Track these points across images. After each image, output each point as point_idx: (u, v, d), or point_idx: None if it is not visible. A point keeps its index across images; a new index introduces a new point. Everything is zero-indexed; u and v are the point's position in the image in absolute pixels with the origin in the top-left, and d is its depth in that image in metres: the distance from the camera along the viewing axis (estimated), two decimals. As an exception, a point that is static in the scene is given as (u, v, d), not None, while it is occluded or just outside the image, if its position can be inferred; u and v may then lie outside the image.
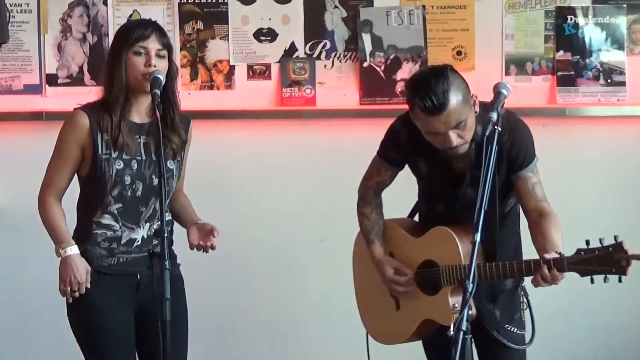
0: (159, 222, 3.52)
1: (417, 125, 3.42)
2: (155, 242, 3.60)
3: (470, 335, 2.99)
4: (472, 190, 3.47)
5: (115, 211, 3.58)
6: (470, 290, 2.99)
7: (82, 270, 3.54)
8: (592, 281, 3.25)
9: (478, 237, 3.08)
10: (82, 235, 3.62)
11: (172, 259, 3.69)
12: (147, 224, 3.62)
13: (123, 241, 3.60)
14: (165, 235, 3.37)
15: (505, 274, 3.39)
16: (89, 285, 3.55)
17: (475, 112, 3.39)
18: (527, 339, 3.68)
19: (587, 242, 3.22)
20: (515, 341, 3.62)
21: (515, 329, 3.63)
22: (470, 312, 3.08)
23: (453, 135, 3.33)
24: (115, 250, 3.60)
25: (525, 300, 3.70)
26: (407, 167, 3.75)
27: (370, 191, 3.79)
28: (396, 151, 3.68)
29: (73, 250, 3.56)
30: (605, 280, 3.22)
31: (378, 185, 3.78)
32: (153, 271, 3.57)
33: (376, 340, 3.85)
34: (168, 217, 3.70)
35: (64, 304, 3.63)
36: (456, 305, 3.35)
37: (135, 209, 3.60)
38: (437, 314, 3.53)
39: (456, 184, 3.55)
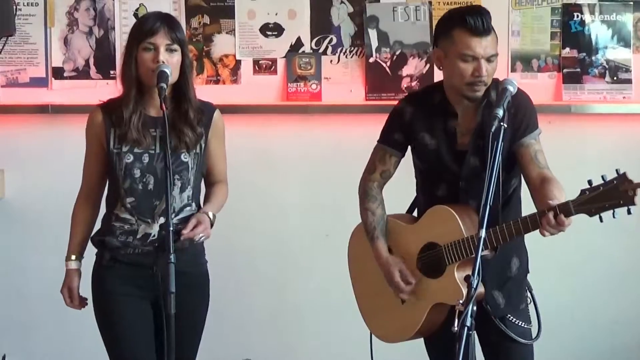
0: (180, 217, 3.60)
1: (449, 52, 3.45)
2: (174, 237, 3.59)
3: (475, 332, 2.98)
4: (475, 159, 3.49)
5: (129, 205, 3.62)
6: (474, 285, 2.99)
7: (64, 289, 3.73)
8: (600, 219, 3.18)
9: (483, 232, 3.08)
10: (104, 226, 3.71)
11: (197, 254, 3.75)
12: (162, 218, 3.62)
13: (139, 235, 3.62)
14: (171, 229, 3.37)
15: (518, 230, 3.33)
16: (70, 305, 3.73)
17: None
18: (534, 334, 3.66)
19: (590, 182, 3.18)
20: (523, 335, 3.61)
21: (523, 323, 3.62)
22: (478, 291, 3.12)
23: (485, 64, 3.41)
24: (130, 244, 3.63)
25: (529, 294, 3.69)
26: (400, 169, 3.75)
27: (374, 185, 3.77)
28: (400, 132, 3.67)
29: (71, 265, 3.74)
30: (614, 215, 3.15)
31: (382, 176, 3.76)
32: (160, 265, 3.55)
33: (383, 340, 3.81)
34: (192, 211, 3.69)
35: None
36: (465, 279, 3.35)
37: (149, 202, 3.61)
38: (447, 295, 3.48)
39: (460, 158, 3.55)
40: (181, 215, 3.64)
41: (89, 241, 3.76)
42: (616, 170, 3.15)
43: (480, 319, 3.44)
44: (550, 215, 3.21)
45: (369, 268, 3.77)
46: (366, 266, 3.79)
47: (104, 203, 3.76)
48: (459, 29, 3.43)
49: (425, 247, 3.60)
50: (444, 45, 3.50)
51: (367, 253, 3.77)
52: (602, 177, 3.16)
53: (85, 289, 3.74)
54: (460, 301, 3.02)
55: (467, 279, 3.03)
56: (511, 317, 3.60)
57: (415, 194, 3.84)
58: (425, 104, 3.63)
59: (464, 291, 3.38)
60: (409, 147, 3.72)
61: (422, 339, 3.77)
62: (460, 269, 3.47)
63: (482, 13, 3.44)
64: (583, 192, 3.20)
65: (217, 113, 3.78)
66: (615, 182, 3.14)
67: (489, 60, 3.42)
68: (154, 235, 3.62)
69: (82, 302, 3.75)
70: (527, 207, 3.53)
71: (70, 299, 3.73)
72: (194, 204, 3.70)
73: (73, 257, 3.72)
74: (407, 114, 3.65)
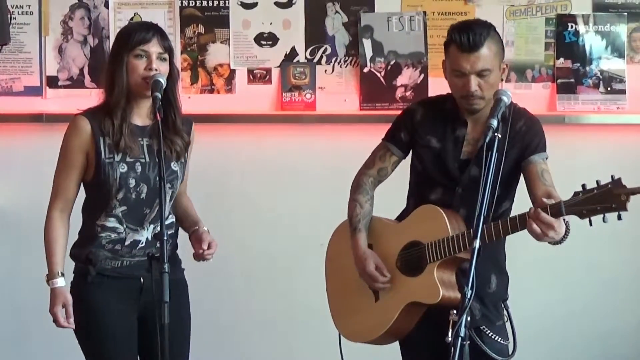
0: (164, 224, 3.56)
1: (447, 66, 3.51)
2: (159, 244, 3.59)
3: (468, 342, 2.97)
4: (476, 169, 3.48)
5: (120, 214, 3.59)
6: (469, 296, 2.98)
7: (57, 308, 3.57)
8: (590, 223, 3.18)
9: (477, 243, 3.08)
10: (87, 238, 3.63)
11: (176, 263, 3.72)
12: (152, 226, 3.61)
13: (127, 242, 3.60)
14: (165, 238, 3.35)
15: (506, 230, 3.33)
16: (64, 324, 3.58)
17: (502, 80, 3.54)
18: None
19: (584, 186, 3.20)
20: (500, 352, 3.58)
21: (500, 339, 3.59)
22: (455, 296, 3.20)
23: (474, 80, 3.43)
24: (119, 252, 3.60)
25: (506, 312, 3.67)
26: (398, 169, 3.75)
27: (369, 180, 3.76)
28: (406, 132, 3.68)
29: (59, 283, 3.59)
30: (604, 219, 3.16)
31: (379, 173, 3.76)
32: (152, 275, 3.56)
33: (350, 339, 3.78)
34: (172, 219, 3.71)
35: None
36: (444, 280, 3.41)
37: (140, 211, 3.60)
38: (423, 294, 3.46)
39: (463, 166, 3.55)
40: (166, 222, 3.62)
41: (67, 256, 3.65)
42: (611, 176, 3.16)
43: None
44: (540, 211, 3.22)
45: (345, 267, 3.75)
46: (342, 265, 3.78)
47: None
48: (452, 44, 3.48)
49: (407, 246, 3.59)
50: (445, 59, 3.56)
51: (344, 252, 3.76)
52: (597, 181, 3.17)
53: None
54: (454, 312, 3.01)
55: (461, 289, 3.02)
56: (487, 330, 3.58)
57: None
58: (438, 109, 3.66)
59: (442, 291, 3.42)
60: (411, 152, 3.73)
61: (398, 348, 3.75)
62: (440, 268, 3.47)
63: (473, 29, 3.45)
64: (576, 193, 3.21)
65: (193, 126, 3.79)
66: (609, 186, 3.15)
67: (480, 75, 3.43)
68: (143, 243, 3.61)
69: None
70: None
71: (67, 317, 3.59)
72: (172, 212, 3.72)
73: (59, 273, 3.59)
74: (417, 115, 3.68)
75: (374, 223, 3.74)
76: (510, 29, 5.06)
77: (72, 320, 3.59)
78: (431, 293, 3.43)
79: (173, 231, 3.71)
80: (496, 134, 3.24)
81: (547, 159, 3.55)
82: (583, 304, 5.07)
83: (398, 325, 3.58)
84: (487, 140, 3.22)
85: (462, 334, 2.93)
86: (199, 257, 3.63)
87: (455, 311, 3.01)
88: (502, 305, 3.67)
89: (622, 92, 5.04)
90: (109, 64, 3.63)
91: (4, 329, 5.16)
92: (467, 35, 3.42)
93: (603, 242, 4.88)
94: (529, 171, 3.50)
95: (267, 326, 5.17)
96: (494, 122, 3.26)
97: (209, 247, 3.60)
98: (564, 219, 3.27)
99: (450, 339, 2.94)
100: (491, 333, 3.58)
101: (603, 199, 3.15)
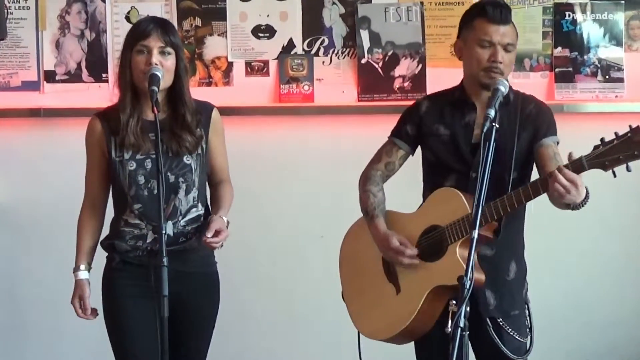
0: (187, 219, 3.62)
1: (469, 40, 3.58)
2: (182, 239, 3.60)
3: (468, 332, 2.96)
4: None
5: (137, 211, 3.62)
6: (468, 287, 2.97)
7: (75, 300, 3.67)
8: (614, 174, 3.18)
9: (476, 233, 3.06)
10: (113, 231, 3.71)
11: (206, 255, 3.73)
12: (170, 222, 3.61)
13: (148, 240, 3.63)
14: (164, 232, 3.36)
15: (527, 196, 3.31)
16: (82, 315, 3.68)
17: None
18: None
19: (602, 139, 3.20)
20: (517, 351, 3.57)
21: (518, 335, 3.57)
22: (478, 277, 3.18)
23: (501, 52, 3.51)
24: (140, 247, 3.64)
25: (527, 308, 3.65)
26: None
27: (377, 173, 3.76)
28: (412, 124, 3.69)
29: (80, 275, 3.69)
30: (628, 168, 3.15)
31: (387, 167, 3.76)
32: (168, 268, 3.51)
33: (372, 337, 3.71)
34: (198, 212, 3.68)
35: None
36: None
37: (156, 207, 3.56)
38: (447, 276, 3.35)
39: (475, 150, 3.55)
40: (188, 217, 3.65)
41: (99, 246, 3.75)
42: (629, 125, 3.16)
43: (474, 325, 3.44)
44: (562, 167, 3.21)
45: (362, 266, 3.75)
46: (358, 264, 3.77)
47: (109, 209, 3.75)
48: (479, 17, 3.56)
49: (425, 232, 3.56)
50: (465, 35, 3.62)
51: (360, 251, 3.75)
52: (615, 133, 3.18)
53: (95, 297, 3.73)
54: (454, 302, 3.00)
55: (460, 279, 3.01)
56: (504, 324, 3.56)
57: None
58: (444, 99, 3.69)
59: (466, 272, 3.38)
60: (420, 147, 3.73)
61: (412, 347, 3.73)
62: (462, 248, 3.41)
63: (502, 4, 3.59)
64: (596, 147, 3.22)
65: (215, 112, 3.77)
66: (629, 134, 3.15)
67: (506, 49, 3.52)
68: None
69: (94, 312, 3.71)
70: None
71: (83, 309, 3.68)
72: (200, 205, 3.70)
73: (82, 267, 3.69)
74: (422, 107, 3.71)
75: (389, 215, 3.72)
76: (508, 18, 5.05)
77: (89, 312, 3.68)
78: (455, 272, 3.29)
79: (199, 224, 3.69)
80: (494, 124, 3.23)
81: (558, 143, 3.57)
82: (580, 294, 5.08)
83: (422, 316, 3.49)
84: (485, 130, 3.21)
85: (461, 325, 2.91)
86: (205, 243, 3.58)
87: (454, 301, 3.01)
88: (523, 297, 3.65)
89: (620, 80, 5.03)
90: (119, 62, 3.70)
91: (2, 325, 5.15)
92: (499, 9, 3.53)
93: (598, 231, 4.90)
94: (541, 153, 3.52)
95: (266, 319, 5.17)
96: (492, 112, 3.25)
97: (215, 235, 3.55)
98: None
99: (449, 329, 2.94)
100: (509, 329, 3.56)
101: (624, 148, 3.15)
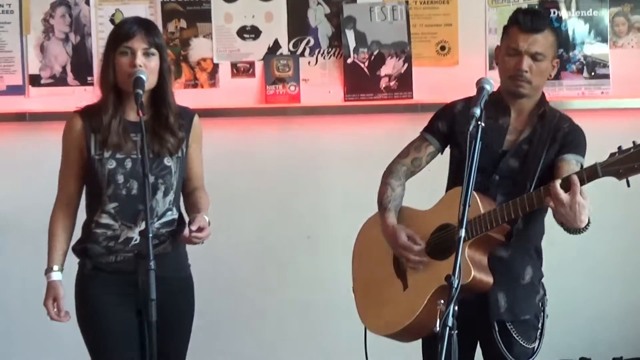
0: (162, 222, 3.60)
1: (502, 48, 3.60)
2: (155, 241, 3.57)
3: (456, 332, 2.94)
4: (514, 161, 3.53)
5: (112, 210, 3.59)
6: (456, 286, 2.96)
7: (49, 302, 3.63)
8: (628, 184, 3.18)
9: (463, 232, 3.04)
10: (85, 234, 3.68)
11: (179, 260, 3.73)
12: (144, 223, 3.60)
13: (121, 239, 3.60)
14: (150, 235, 3.34)
15: (531, 204, 3.33)
16: (55, 317, 3.64)
17: (550, 76, 3.64)
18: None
19: (620, 147, 3.20)
20: (519, 356, 3.57)
21: (524, 341, 3.57)
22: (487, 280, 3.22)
23: (527, 61, 3.51)
24: (113, 249, 3.61)
25: (541, 315, 3.65)
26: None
27: (402, 168, 3.76)
28: (445, 122, 3.70)
29: (53, 276, 3.64)
30: None
31: (413, 163, 3.75)
32: (139, 272, 3.53)
33: (378, 332, 3.71)
34: (173, 215, 3.68)
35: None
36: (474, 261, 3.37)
37: (133, 207, 3.59)
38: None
39: (502, 155, 3.56)
40: (163, 220, 3.63)
41: (70, 251, 3.71)
42: None
43: (483, 327, 3.44)
44: (575, 179, 3.22)
45: (372, 261, 3.74)
46: (369, 259, 3.77)
47: (81, 211, 3.73)
48: (514, 25, 3.57)
49: (437, 229, 3.56)
50: (501, 42, 3.64)
51: (372, 246, 3.74)
52: (633, 142, 3.18)
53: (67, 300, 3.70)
54: (442, 301, 3.00)
55: (448, 278, 3.00)
56: (512, 328, 3.56)
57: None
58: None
59: (473, 272, 3.38)
60: (449, 147, 3.73)
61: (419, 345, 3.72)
62: (472, 248, 3.43)
63: (537, 13, 3.65)
64: (612, 154, 3.22)
65: (196, 118, 3.77)
66: None
67: (534, 57, 3.52)
68: (136, 240, 3.61)
69: (67, 315, 3.67)
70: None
71: (57, 311, 3.64)
72: (174, 209, 3.69)
73: (55, 268, 3.64)
74: (457, 107, 3.71)
75: (404, 211, 3.72)
76: (493, 16, 5.06)
77: (63, 313, 3.64)
78: (462, 274, 3.23)
79: (173, 228, 3.68)
80: (480, 122, 3.21)
81: (582, 166, 3.51)
82: (568, 291, 5.08)
83: (426, 314, 3.46)
84: (471, 129, 3.19)
85: (450, 324, 2.90)
86: (185, 239, 3.57)
87: (442, 301, 3.00)
88: (536, 302, 3.65)
89: (606, 76, 5.04)
90: (101, 62, 3.67)
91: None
92: (531, 17, 3.54)
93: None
94: (559, 167, 3.50)
95: (253, 318, 5.16)
96: (477, 111, 3.22)
97: (198, 230, 3.55)
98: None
99: (437, 329, 2.92)
100: (516, 333, 3.56)
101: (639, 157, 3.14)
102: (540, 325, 3.65)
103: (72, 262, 3.71)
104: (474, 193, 3.45)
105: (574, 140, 3.56)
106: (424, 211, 3.68)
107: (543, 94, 3.66)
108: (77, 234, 3.73)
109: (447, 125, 3.71)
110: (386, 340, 3.74)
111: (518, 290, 3.59)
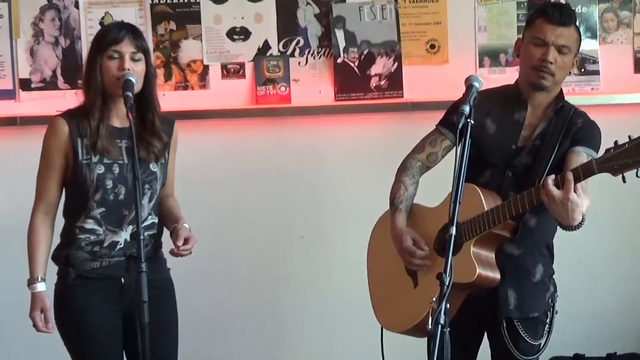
0: (143, 226, 3.54)
1: (525, 39, 3.59)
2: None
3: (449, 329, 2.94)
4: (528, 157, 3.53)
5: (98, 215, 3.59)
6: (447, 283, 2.96)
7: (36, 313, 3.58)
8: (623, 180, 3.17)
9: (454, 230, 3.04)
10: (67, 240, 3.64)
11: (159, 263, 3.73)
12: (130, 227, 3.60)
13: (105, 244, 3.60)
14: (142, 237, 3.34)
15: (531, 200, 3.33)
16: (43, 329, 3.59)
17: (570, 72, 3.64)
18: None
19: (616, 142, 3.19)
20: (525, 352, 3.58)
21: (530, 338, 3.58)
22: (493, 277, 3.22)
23: (553, 52, 3.51)
24: (97, 253, 3.60)
25: (550, 314, 3.66)
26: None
27: (417, 163, 3.75)
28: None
29: (39, 287, 3.59)
30: (637, 174, 3.13)
31: (428, 158, 3.75)
32: (131, 275, 3.54)
33: (389, 329, 3.73)
34: (153, 220, 3.69)
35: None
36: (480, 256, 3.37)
37: (118, 212, 3.59)
38: (459, 274, 3.21)
39: (517, 151, 3.56)
40: (145, 224, 3.62)
41: (49, 260, 3.66)
42: None
43: (491, 323, 3.45)
44: (570, 175, 3.21)
45: (385, 257, 3.74)
46: (383, 255, 3.77)
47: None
48: (540, 17, 3.56)
49: (444, 227, 3.55)
50: (525, 34, 3.62)
51: (385, 242, 3.73)
52: (629, 136, 3.17)
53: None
54: (433, 299, 3.00)
55: (439, 276, 3.00)
56: (519, 325, 3.57)
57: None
58: (495, 95, 3.67)
59: (478, 269, 3.40)
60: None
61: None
62: (477, 246, 3.44)
63: (564, 7, 3.63)
64: (608, 150, 3.21)
65: (176, 125, 3.79)
66: None
67: (560, 50, 3.52)
68: (121, 244, 3.61)
69: (53, 326, 3.64)
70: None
71: (45, 322, 3.60)
72: (154, 213, 3.70)
73: (39, 278, 3.59)
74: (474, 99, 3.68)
75: (414, 209, 3.73)
76: (482, 14, 5.06)
77: (50, 325, 3.60)
78: (467, 271, 3.37)
79: (154, 231, 3.70)
80: (469, 119, 3.21)
81: (594, 161, 3.43)
82: (563, 285, 5.08)
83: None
84: (460, 127, 3.20)
85: (442, 322, 2.91)
86: (174, 254, 3.61)
87: (434, 299, 3.00)
88: (546, 299, 3.65)
89: (596, 72, 5.05)
90: (85, 66, 3.65)
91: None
92: (560, 10, 3.55)
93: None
94: (569, 158, 3.50)
95: (247, 319, 5.16)
96: (466, 108, 3.23)
97: (185, 243, 3.58)
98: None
99: (430, 326, 2.92)
100: (523, 331, 3.57)
101: (635, 152, 3.13)
102: (548, 321, 3.66)
103: (51, 271, 3.66)
104: (477, 189, 3.47)
105: (587, 135, 3.55)
106: (432, 208, 3.69)
107: (561, 90, 3.65)
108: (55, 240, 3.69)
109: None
110: (386, 341, 3.75)
111: (528, 288, 3.60)
